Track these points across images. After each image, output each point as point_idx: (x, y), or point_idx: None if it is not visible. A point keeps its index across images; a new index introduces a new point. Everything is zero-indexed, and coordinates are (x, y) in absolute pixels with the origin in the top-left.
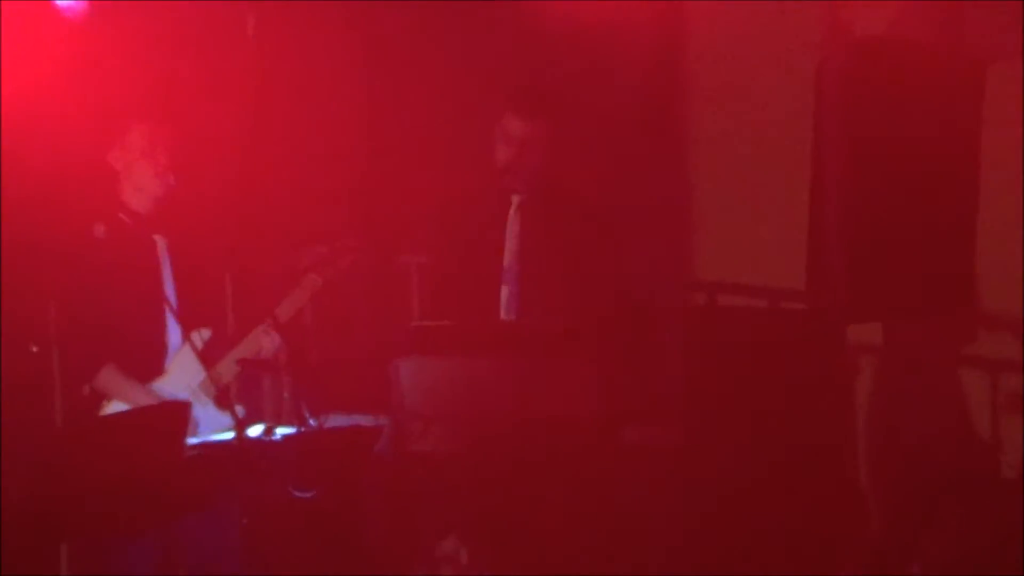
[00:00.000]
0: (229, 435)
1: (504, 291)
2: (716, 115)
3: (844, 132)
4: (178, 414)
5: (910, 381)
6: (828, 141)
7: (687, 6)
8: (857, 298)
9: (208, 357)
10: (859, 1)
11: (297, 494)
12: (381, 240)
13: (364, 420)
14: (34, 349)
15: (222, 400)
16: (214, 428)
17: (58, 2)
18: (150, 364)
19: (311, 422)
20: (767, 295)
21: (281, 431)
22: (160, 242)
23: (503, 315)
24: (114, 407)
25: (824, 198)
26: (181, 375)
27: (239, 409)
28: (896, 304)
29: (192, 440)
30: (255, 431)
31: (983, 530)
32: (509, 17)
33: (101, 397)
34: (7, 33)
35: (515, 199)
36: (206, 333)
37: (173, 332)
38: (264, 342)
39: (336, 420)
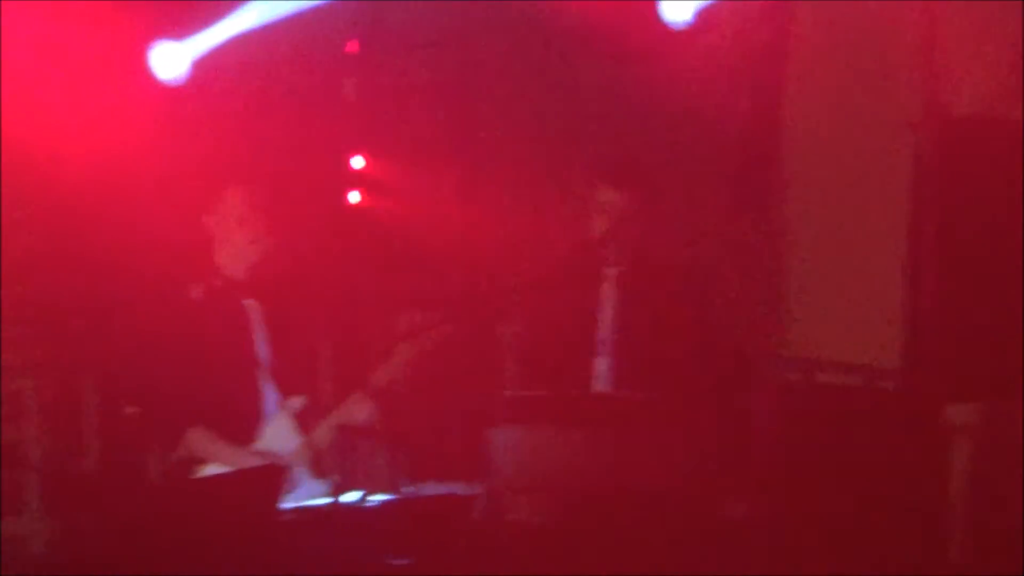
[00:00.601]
0: (324, 501)
1: (598, 362)
2: (813, 192)
3: (940, 211)
4: (273, 478)
5: (1007, 462)
6: (924, 219)
7: (782, 84)
8: (954, 378)
9: (303, 423)
10: (955, 81)
11: (392, 562)
12: (476, 309)
13: (458, 488)
14: (129, 410)
15: (317, 466)
16: (309, 494)
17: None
18: (246, 429)
19: (406, 489)
20: (863, 373)
21: (376, 498)
22: (254, 307)
23: (597, 386)
24: (212, 470)
25: (920, 276)
26: (277, 440)
27: (334, 476)
28: (993, 384)
29: (287, 505)
30: (350, 498)
31: None
32: (606, 88)
33: (196, 459)
34: (107, 97)
35: (610, 271)
36: (301, 399)
37: (268, 397)
38: (359, 409)
39: (431, 488)
